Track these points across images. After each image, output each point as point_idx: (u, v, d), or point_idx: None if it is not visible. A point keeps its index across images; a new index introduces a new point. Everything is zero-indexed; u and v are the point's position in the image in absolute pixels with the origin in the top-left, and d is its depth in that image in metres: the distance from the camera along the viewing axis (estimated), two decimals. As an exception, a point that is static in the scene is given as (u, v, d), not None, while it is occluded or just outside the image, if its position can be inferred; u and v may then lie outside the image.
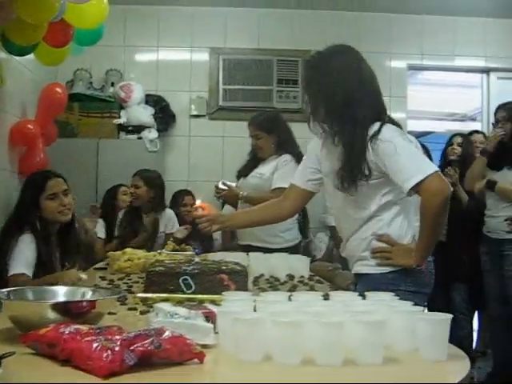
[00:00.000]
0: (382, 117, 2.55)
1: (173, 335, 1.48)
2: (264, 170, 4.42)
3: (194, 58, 6.66)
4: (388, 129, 2.49)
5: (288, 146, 4.39)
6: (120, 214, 5.32)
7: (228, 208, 5.21)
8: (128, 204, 5.31)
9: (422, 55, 6.86)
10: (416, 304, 2.31)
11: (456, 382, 1.44)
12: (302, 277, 3.11)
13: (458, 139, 5.33)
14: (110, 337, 1.45)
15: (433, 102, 10.06)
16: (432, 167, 2.41)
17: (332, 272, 3.40)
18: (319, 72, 2.56)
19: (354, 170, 2.47)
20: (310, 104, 2.61)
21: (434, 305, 5.13)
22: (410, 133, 6.32)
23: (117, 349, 1.38)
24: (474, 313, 5.59)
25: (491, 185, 4.33)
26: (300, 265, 3.25)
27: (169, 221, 5.33)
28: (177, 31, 6.64)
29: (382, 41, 6.72)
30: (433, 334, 1.56)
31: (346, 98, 2.49)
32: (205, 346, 1.59)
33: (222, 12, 6.65)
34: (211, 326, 1.67)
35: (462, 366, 1.55)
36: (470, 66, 7.07)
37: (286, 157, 4.33)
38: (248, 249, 3.96)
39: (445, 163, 5.31)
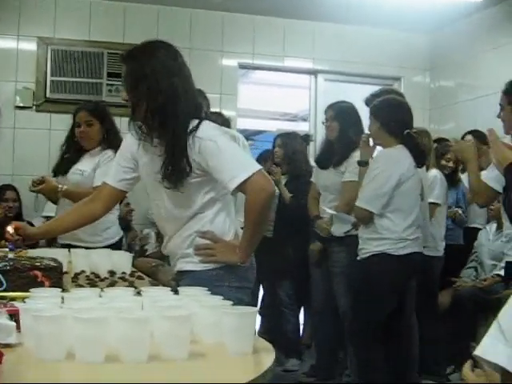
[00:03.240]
0: (199, 114, 2.54)
1: (-33, 335, 1.41)
2: (85, 166, 4.27)
3: (21, 47, 6.38)
4: (208, 126, 2.50)
5: (114, 140, 4.23)
6: None
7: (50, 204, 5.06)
8: None
9: (253, 54, 6.99)
10: (240, 299, 2.35)
11: (257, 374, 1.46)
12: (124, 273, 3.06)
13: (279, 141, 5.48)
14: None
15: (265, 102, 10.28)
16: (255, 165, 2.44)
17: (155, 268, 3.38)
18: (142, 67, 2.49)
19: (175, 168, 2.44)
20: (131, 100, 2.53)
21: (259, 299, 5.32)
22: (242, 131, 6.45)
23: None
24: (300, 307, 5.77)
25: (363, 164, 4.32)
26: (122, 261, 3.20)
27: None
28: (2, 18, 6.34)
29: (213, 39, 6.78)
30: (238, 327, 1.58)
31: (169, 95, 2.46)
32: (7, 346, 1.53)
33: (51, 1, 6.42)
34: (13, 324, 1.60)
35: (266, 358, 1.58)
36: (298, 68, 7.30)
37: (109, 153, 4.20)
38: (68, 248, 3.86)
39: (272, 164, 5.45)
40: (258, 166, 2.44)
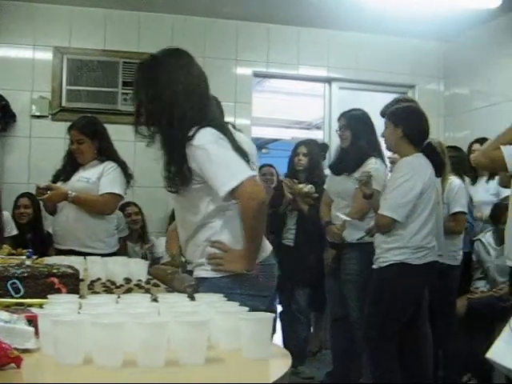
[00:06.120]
0: (202, 122, 2.53)
1: (-13, 340, 1.42)
2: (89, 174, 4.42)
3: (37, 57, 6.44)
4: (204, 134, 2.49)
5: (109, 152, 4.51)
6: None
7: None
8: None
9: (267, 63, 7.00)
10: (255, 307, 2.36)
11: (274, 379, 1.46)
12: (140, 280, 3.07)
13: (303, 149, 5.45)
14: None
15: (280, 110, 10.30)
16: (246, 172, 2.44)
17: (171, 275, 3.38)
18: (147, 73, 2.58)
19: (175, 173, 2.50)
20: (135, 106, 2.62)
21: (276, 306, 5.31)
22: (256, 140, 6.46)
23: None
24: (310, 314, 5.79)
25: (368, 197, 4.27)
26: (138, 268, 3.20)
27: (7, 224, 5.15)
28: (19, 28, 6.39)
29: (228, 47, 6.80)
30: (255, 333, 1.58)
31: (168, 101, 2.51)
32: (26, 351, 1.54)
33: (66, 10, 6.47)
34: (32, 329, 1.61)
35: (283, 364, 1.58)
36: (313, 76, 7.29)
37: (112, 163, 4.44)
38: (70, 254, 3.89)
39: (293, 172, 5.44)
40: (249, 174, 2.44)
